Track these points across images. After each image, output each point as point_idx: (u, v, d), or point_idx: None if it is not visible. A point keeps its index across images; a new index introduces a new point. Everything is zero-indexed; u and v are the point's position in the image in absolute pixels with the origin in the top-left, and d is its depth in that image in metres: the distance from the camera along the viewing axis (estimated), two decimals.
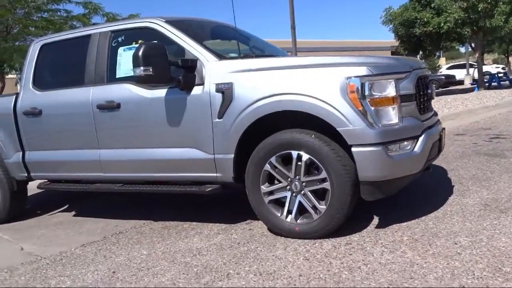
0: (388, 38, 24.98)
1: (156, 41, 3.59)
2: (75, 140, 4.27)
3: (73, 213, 5.15)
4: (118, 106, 3.92)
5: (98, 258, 3.52)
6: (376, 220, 3.64)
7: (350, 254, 3.00)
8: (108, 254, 3.58)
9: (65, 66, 4.53)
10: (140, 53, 3.36)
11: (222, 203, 4.75)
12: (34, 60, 4.56)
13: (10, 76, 13.64)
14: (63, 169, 4.43)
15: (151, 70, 3.37)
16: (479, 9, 15.99)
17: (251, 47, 4.48)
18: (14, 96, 4.66)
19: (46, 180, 4.76)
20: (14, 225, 4.92)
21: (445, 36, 17.46)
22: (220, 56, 3.68)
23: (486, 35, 18.46)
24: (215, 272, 2.96)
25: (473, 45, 20.35)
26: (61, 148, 4.37)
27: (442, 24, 16.32)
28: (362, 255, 2.96)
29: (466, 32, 16.94)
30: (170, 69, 3.48)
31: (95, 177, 4.27)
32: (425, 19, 16.56)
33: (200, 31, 4.11)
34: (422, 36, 17.73)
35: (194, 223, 4.13)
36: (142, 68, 3.36)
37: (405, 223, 3.47)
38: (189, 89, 3.60)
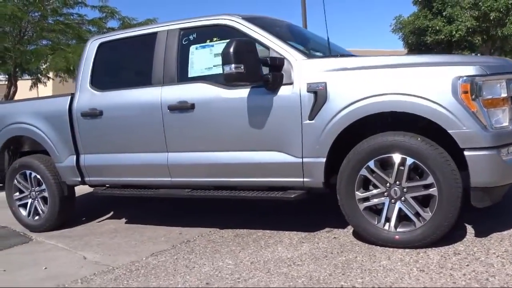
0: (392, 47, 25.04)
1: (245, 38, 3.40)
2: (139, 143, 4.04)
3: (124, 220, 4.90)
4: (192, 106, 3.71)
5: (180, 268, 3.29)
6: (469, 228, 3.45)
7: (467, 265, 2.81)
8: (190, 263, 3.35)
9: (127, 65, 4.32)
10: (232, 49, 3.17)
11: (281, 209, 4.54)
12: (92, 60, 4.34)
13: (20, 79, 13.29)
14: (124, 173, 4.19)
15: (242, 67, 3.18)
16: (491, 18, 16.04)
17: (322, 47, 4.30)
18: (69, 97, 4.43)
19: (103, 186, 4.49)
20: (63, 233, 4.66)
21: (456, 44, 17.50)
22: (307, 54, 3.50)
23: (495, 44, 18.54)
24: (325, 284, 2.75)
25: (479, 54, 20.42)
26: (123, 152, 4.14)
27: (454, 32, 16.35)
28: (482, 266, 2.77)
29: (477, 41, 16.98)
30: (260, 67, 3.28)
31: (160, 182, 4.04)
32: (437, 27, 16.57)
33: (278, 29, 3.92)
34: (432, 45, 17.75)
35: (267, 231, 3.92)
36: (233, 65, 3.17)
37: (506, 232, 3.29)
38: (276, 89, 3.40)
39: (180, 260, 3.45)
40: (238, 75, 3.19)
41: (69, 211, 4.81)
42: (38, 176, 4.68)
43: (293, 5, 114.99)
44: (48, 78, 13.05)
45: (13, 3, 10.21)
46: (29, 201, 4.85)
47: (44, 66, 11.04)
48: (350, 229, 3.68)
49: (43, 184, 4.67)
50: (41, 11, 11.20)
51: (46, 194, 4.67)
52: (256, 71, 3.26)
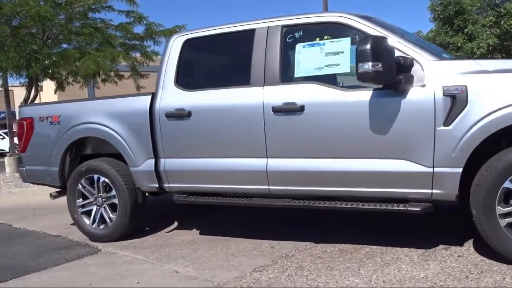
0: None
1: (381, 35, 3.12)
2: (233, 147, 3.73)
3: (196, 230, 4.56)
4: (301, 109, 3.41)
5: (303, 286, 2.95)
6: None
7: None
8: (309, 281, 3.03)
9: (218, 63, 4.03)
10: (369, 46, 2.89)
11: (367, 221, 4.23)
12: (177, 57, 4.03)
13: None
14: (211, 180, 3.87)
15: (380, 66, 2.89)
16: None
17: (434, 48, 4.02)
18: (150, 96, 4.11)
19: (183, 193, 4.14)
20: (133, 243, 4.31)
21: None
22: (436, 55, 3.23)
23: None
24: None
25: None
26: (212, 156, 3.82)
27: (475, 50, 16.27)
28: None
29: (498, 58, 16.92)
30: (395, 66, 3.00)
31: (254, 190, 3.72)
32: (459, 44, 16.50)
33: (395, 29, 3.65)
34: None
35: (374, 246, 3.61)
36: (370, 63, 2.88)
37: None
38: (405, 92, 3.12)
39: (295, 277, 3.11)
40: (374, 74, 2.91)
41: (139, 220, 4.46)
42: (107, 181, 4.33)
43: None
44: (68, 82, 12.70)
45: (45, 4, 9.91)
46: (94, 208, 4.49)
47: (72, 69, 10.67)
48: (469, 246, 3.40)
49: (113, 190, 4.32)
50: (69, 14, 10.90)
51: (115, 200, 4.32)
52: (392, 71, 2.98)
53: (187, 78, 4.03)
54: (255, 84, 3.63)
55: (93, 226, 4.47)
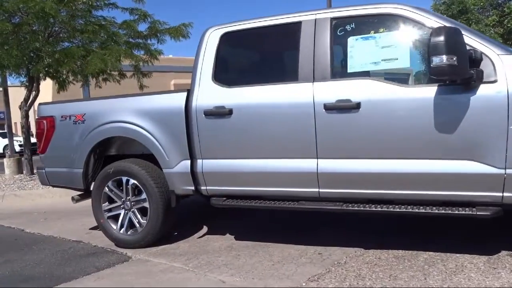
0: None
1: (455, 26, 2.91)
2: (280, 147, 3.50)
3: (230, 236, 4.31)
4: (357, 106, 3.19)
5: None
6: None
7: None
8: None
9: (260, 58, 3.79)
10: (443, 38, 2.68)
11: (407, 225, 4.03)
12: (214, 51, 3.79)
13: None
14: (256, 182, 3.63)
15: (455, 59, 2.68)
16: None
17: None
18: (185, 93, 3.86)
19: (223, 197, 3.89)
20: (166, 250, 4.06)
21: None
22: (506, 49, 3.03)
23: None
24: None
25: None
26: (256, 157, 3.58)
27: None
28: None
29: None
30: (468, 61, 2.79)
31: (303, 193, 3.49)
32: None
33: (452, 21, 3.44)
34: None
35: (431, 253, 3.40)
36: (444, 56, 2.67)
37: None
38: (474, 88, 2.91)
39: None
40: (449, 69, 2.69)
41: (170, 225, 4.20)
42: (138, 184, 4.07)
43: None
44: (69, 82, 12.35)
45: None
46: (122, 212, 4.23)
47: (75, 68, 10.33)
48: None
49: (143, 193, 4.06)
50: (72, 11, 10.57)
51: (145, 204, 4.06)
52: (467, 65, 2.77)
53: (226, 74, 3.79)
54: (303, 80, 3.41)
55: (121, 231, 4.21)
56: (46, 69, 10.55)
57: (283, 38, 3.65)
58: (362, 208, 3.30)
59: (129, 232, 4.19)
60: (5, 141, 25.06)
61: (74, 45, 10.46)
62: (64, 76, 11.87)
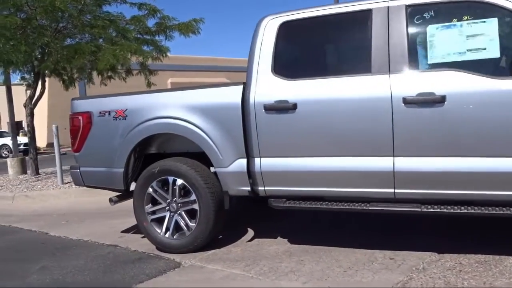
0: None
1: None
2: (351, 144, 3.25)
3: (284, 239, 4.05)
4: (441, 99, 2.95)
5: None
6: None
7: None
8: None
9: (326, 49, 3.53)
10: None
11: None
12: (273, 42, 3.52)
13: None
14: (321, 182, 3.37)
15: None
16: None
17: None
18: (241, 86, 3.59)
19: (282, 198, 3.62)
20: (218, 255, 3.79)
21: None
22: None
23: None
24: None
25: None
26: (324, 155, 3.33)
27: None
28: None
29: None
30: None
31: (376, 194, 3.25)
32: None
33: None
34: None
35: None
36: None
37: None
38: None
39: None
40: None
41: (220, 228, 3.93)
42: (186, 184, 3.79)
43: None
44: (73, 79, 11.97)
45: None
46: (167, 214, 3.95)
47: (87, 64, 10.00)
48: None
49: (192, 194, 3.78)
50: (81, 5, 10.21)
51: (195, 206, 3.79)
52: None
53: (288, 66, 3.53)
54: (377, 72, 3.16)
55: (166, 235, 3.93)
56: (54, 66, 10.18)
57: (350, 28, 3.40)
58: (444, 210, 3.05)
59: (175, 236, 3.90)
60: (1, 140, 24.61)
61: (83, 41, 10.10)
62: (69, 74, 11.52)
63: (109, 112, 4.05)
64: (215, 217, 3.75)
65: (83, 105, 4.24)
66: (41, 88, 11.28)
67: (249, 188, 3.61)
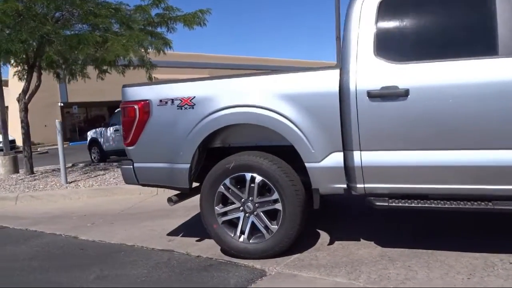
0: None
1: None
2: (475, 136, 2.88)
3: (368, 241, 3.66)
4: None
5: None
6: None
7: None
8: None
9: (439, 27, 3.11)
10: None
11: None
12: (373, 20, 3.13)
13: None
14: (436, 179, 2.99)
15: None
16: None
17: None
18: (337, 71, 3.19)
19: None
20: (304, 260, 3.38)
21: None
22: None
23: None
24: None
25: None
26: (440, 148, 2.95)
27: None
28: None
29: None
30: None
31: (503, 191, 2.88)
32: None
33: None
34: None
35: None
36: None
37: None
38: None
39: None
40: None
41: (302, 230, 3.50)
42: (267, 182, 3.37)
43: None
44: (73, 72, 11.25)
45: None
46: (241, 215, 3.51)
47: (94, 55, 9.36)
48: None
49: (275, 193, 3.36)
50: None
51: (277, 206, 3.37)
52: None
53: (393, 48, 3.13)
54: (508, 54, 2.80)
55: (241, 239, 3.49)
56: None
57: (467, 3, 3.02)
58: None
59: (251, 240, 3.47)
60: None
61: (86, 31, 9.45)
62: (69, 66, 10.87)
63: (173, 100, 3.58)
64: (301, 219, 3.33)
65: (140, 93, 3.74)
66: (37, 82, 10.59)
67: (344, 186, 3.21)
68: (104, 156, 13.06)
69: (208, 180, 3.53)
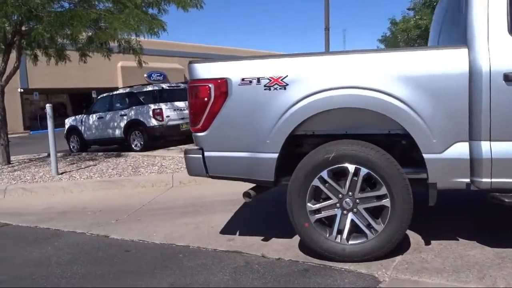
0: None
1: None
2: None
3: (467, 241, 3.31)
4: None
5: None
6: None
7: None
8: None
9: None
10: None
11: None
12: None
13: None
14: None
15: None
16: None
17: None
18: (465, 49, 2.80)
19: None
20: (415, 263, 3.00)
21: None
22: None
23: None
24: None
25: None
26: None
27: None
28: None
29: None
30: None
31: None
32: None
33: None
34: None
35: None
36: None
37: None
38: None
39: None
40: None
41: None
42: (374, 175, 2.95)
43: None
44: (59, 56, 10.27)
45: None
46: (338, 212, 3.07)
47: (92, 33, 8.52)
48: None
49: (382, 187, 2.95)
50: None
51: (384, 202, 2.96)
52: None
53: None
54: None
55: (337, 239, 3.06)
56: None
57: None
58: None
59: (350, 241, 3.04)
60: None
61: (79, 8, 8.59)
62: (56, 45, 9.92)
63: (259, 79, 3.08)
64: (410, 216, 2.94)
65: (215, 70, 3.21)
66: (16, 62, 9.62)
67: (468, 180, 2.84)
68: (85, 146, 12.16)
69: (300, 172, 3.07)
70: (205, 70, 3.23)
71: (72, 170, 8.07)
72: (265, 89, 3.06)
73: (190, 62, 3.30)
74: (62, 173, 7.78)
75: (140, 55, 10.73)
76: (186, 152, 3.41)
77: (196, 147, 3.34)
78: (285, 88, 3.02)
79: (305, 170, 3.05)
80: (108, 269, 3.31)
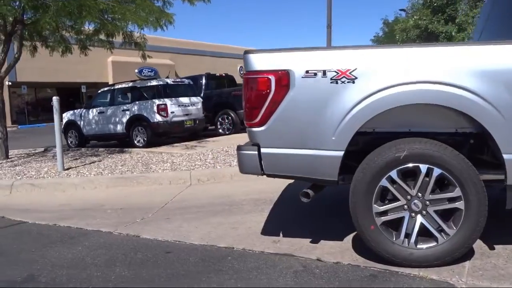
0: None
1: None
2: None
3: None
4: None
5: None
6: None
7: None
8: None
9: None
10: None
11: None
12: None
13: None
14: None
15: None
16: None
17: None
18: None
19: None
20: (485, 268, 2.85)
21: None
22: None
23: None
24: None
25: None
26: None
27: (466, 39, 16.46)
28: None
29: None
30: None
31: None
32: (452, 33, 16.54)
33: None
34: None
35: None
36: None
37: None
38: None
39: None
40: None
41: None
42: (448, 175, 2.78)
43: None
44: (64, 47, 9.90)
45: None
46: (406, 215, 2.90)
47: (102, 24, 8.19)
48: None
49: (456, 189, 2.79)
50: None
51: (457, 204, 2.80)
52: None
53: None
54: None
55: (405, 243, 2.89)
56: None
57: None
58: None
59: (420, 245, 2.88)
60: None
61: None
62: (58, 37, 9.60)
63: (324, 72, 2.88)
64: (485, 220, 2.79)
65: (275, 61, 3.01)
66: (16, 53, 9.27)
67: None
68: (83, 141, 11.80)
69: (367, 172, 2.88)
70: (264, 61, 3.03)
71: (78, 166, 7.78)
72: (331, 82, 2.87)
73: (246, 52, 3.09)
74: (68, 169, 7.49)
75: (144, 49, 10.45)
76: (239, 148, 3.20)
77: (250, 143, 3.13)
78: (353, 82, 2.84)
79: (372, 169, 2.87)
80: (156, 272, 3.09)
